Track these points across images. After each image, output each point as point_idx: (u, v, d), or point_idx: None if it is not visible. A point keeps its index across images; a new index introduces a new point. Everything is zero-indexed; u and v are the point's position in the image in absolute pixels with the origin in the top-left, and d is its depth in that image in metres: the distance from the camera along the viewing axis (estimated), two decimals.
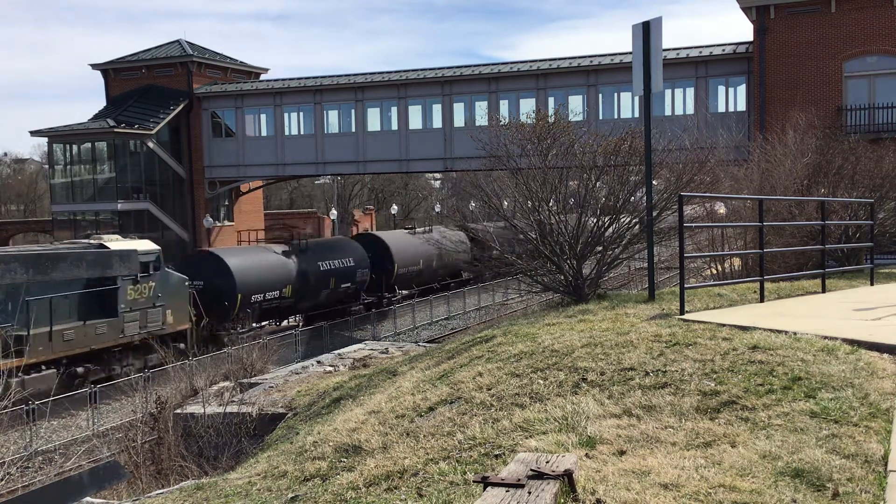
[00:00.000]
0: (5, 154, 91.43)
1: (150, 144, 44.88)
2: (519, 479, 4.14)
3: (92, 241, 27.38)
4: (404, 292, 44.07)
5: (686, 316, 9.47)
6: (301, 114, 44.94)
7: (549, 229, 12.94)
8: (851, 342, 7.51)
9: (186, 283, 29.78)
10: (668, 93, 36.49)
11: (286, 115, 45.10)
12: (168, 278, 28.72)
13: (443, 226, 53.89)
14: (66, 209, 45.04)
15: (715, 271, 21.03)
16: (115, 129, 43.19)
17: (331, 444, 7.00)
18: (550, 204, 13.26)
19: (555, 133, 14.19)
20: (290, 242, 37.73)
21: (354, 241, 42.33)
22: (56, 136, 45.27)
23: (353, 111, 43.49)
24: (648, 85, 11.09)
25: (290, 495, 6.01)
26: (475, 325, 35.59)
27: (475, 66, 41.88)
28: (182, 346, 28.40)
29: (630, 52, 11.95)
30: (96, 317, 26.01)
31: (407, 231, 47.02)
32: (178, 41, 48.55)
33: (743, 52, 35.53)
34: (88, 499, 7.48)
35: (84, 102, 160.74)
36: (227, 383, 16.85)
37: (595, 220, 13.10)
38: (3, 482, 14.38)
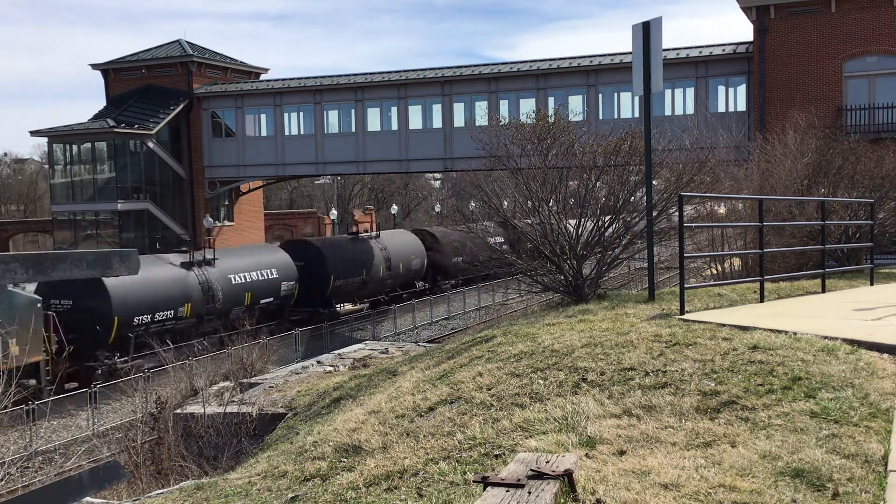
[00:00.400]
0: (5, 154, 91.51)
1: (150, 144, 44.88)
2: (519, 479, 4.14)
3: None
4: (348, 306, 39.96)
5: (686, 316, 9.47)
6: (301, 114, 44.94)
7: (549, 229, 12.94)
8: (851, 342, 7.51)
9: (40, 305, 24.08)
10: (668, 93, 36.49)
11: (286, 115, 45.10)
12: (13, 299, 23.16)
13: (399, 229, 50.59)
14: (66, 209, 45.04)
15: (715, 271, 21.03)
16: (115, 129, 43.20)
17: (331, 444, 7.00)
18: (550, 204, 13.26)
19: (555, 133, 14.19)
20: (193, 251, 32.11)
21: (281, 248, 37.13)
22: (56, 136, 45.28)
23: (353, 111, 43.49)
24: (648, 85, 11.09)
25: (290, 495, 6.01)
26: (475, 325, 35.56)
27: (475, 66, 41.89)
28: (33, 382, 23.52)
29: (630, 52, 11.95)
30: None
31: (349, 237, 41.88)
32: (178, 41, 48.56)
33: (743, 52, 35.54)
34: (88, 499, 7.48)
35: (84, 102, 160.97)
36: (227, 383, 16.86)
37: (595, 221, 13.10)
38: (3, 482, 14.39)
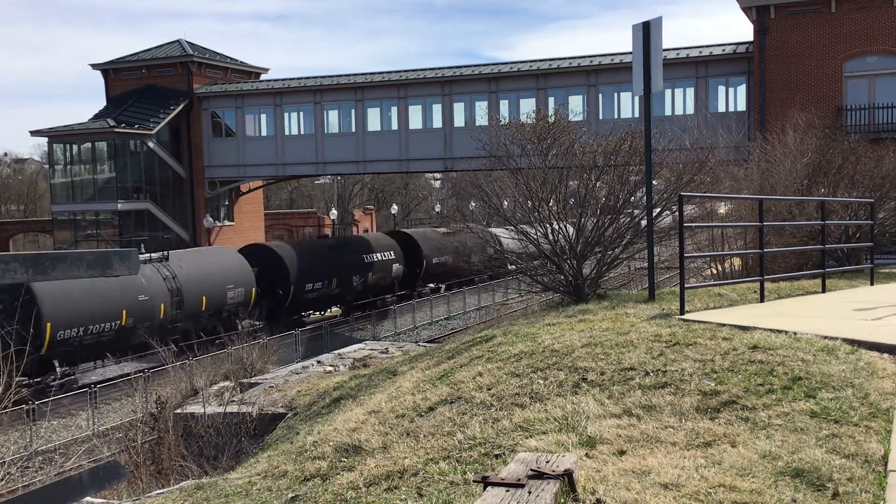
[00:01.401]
0: (5, 154, 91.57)
1: (150, 144, 44.88)
2: (519, 479, 4.14)
3: None
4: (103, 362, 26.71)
5: (686, 316, 9.47)
6: (301, 114, 44.94)
7: (549, 230, 12.96)
8: (851, 342, 7.51)
9: None
10: (668, 93, 36.47)
11: (286, 115, 45.10)
12: None
13: (216, 246, 38.59)
14: (66, 209, 45.03)
15: (715, 271, 21.03)
16: (115, 129, 43.20)
17: (331, 443, 7.00)
18: (550, 204, 13.27)
19: (555, 133, 14.19)
20: None
21: None
22: (56, 136, 45.27)
23: (353, 111, 43.49)
24: (648, 85, 11.09)
25: (290, 495, 6.01)
26: (475, 325, 35.54)
27: (475, 66, 41.88)
28: None
29: (630, 52, 11.95)
30: None
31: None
32: (178, 41, 48.56)
33: (743, 52, 35.53)
34: (88, 499, 7.48)
35: (84, 102, 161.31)
36: (227, 383, 16.86)
37: (595, 220, 13.11)
38: (3, 482, 14.38)
